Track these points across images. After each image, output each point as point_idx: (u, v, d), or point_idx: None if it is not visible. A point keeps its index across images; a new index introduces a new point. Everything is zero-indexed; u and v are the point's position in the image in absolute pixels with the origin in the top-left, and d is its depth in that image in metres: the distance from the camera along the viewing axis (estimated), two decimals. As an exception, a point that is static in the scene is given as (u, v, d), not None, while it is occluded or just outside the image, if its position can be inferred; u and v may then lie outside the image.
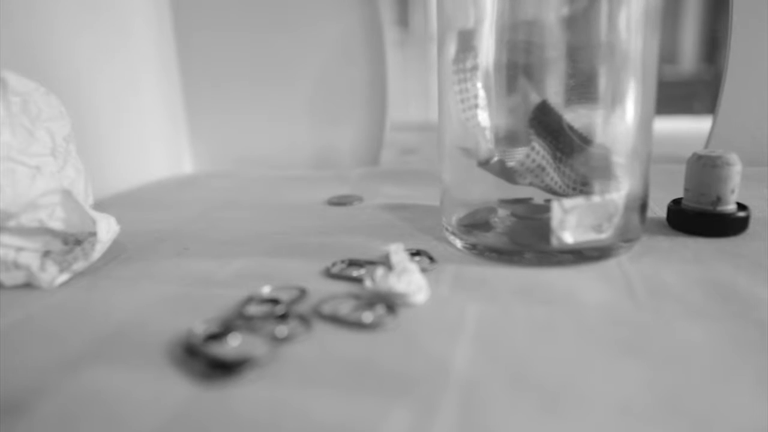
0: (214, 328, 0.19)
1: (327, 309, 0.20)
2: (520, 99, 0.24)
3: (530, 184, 0.25)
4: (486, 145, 0.25)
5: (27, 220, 0.24)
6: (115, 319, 0.21)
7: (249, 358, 0.17)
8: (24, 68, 0.29)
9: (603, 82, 0.23)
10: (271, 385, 0.16)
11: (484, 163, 0.25)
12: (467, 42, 0.24)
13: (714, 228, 0.27)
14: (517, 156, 0.24)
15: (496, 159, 0.25)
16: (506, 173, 0.25)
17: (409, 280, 0.21)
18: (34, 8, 0.40)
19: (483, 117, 0.25)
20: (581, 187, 0.25)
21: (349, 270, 0.24)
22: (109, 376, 0.17)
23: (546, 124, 0.24)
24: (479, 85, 0.25)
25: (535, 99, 0.24)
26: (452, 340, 0.18)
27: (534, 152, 0.23)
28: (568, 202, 0.23)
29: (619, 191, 0.24)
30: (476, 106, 0.25)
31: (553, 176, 0.24)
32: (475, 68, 0.24)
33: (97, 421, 0.15)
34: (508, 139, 0.25)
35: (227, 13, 0.57)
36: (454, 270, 0.24)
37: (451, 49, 0.25)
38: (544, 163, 0.23)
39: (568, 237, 0.23)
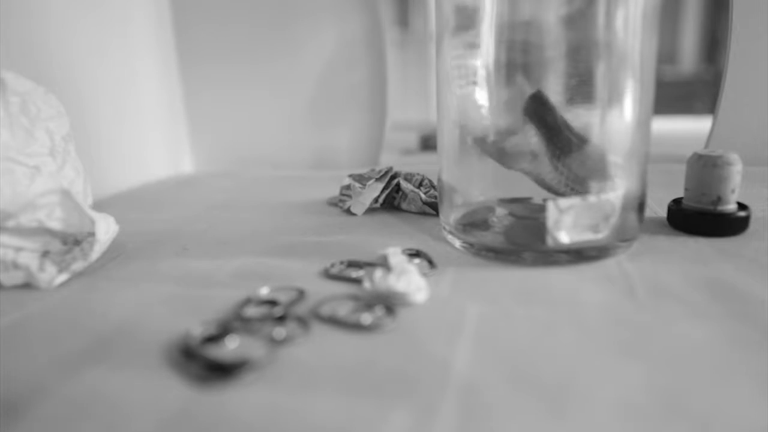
0: (211, 330, 0.19)
1: (325, 310, 0.20)
2: (517, 94, 0.24)
3: (523, 171, 0.24)
4: (482, 122, 0.25)
5: (26, 220, 0.24)
6: (113, 319, 0.20)
7: (247, 360, 0.16)
8: (23, 68, 0.29)
9: (601, 82, 0.23)
10: (269, 388, 0.16)
11: (480, 142, 0.25)
12: (467, 18, 0.24)
13: (714, 228, 0.27)
14: (512, 139, 0.24)
15: (491, 139, 0.25)
16: (500, 154, 0.25)
17: (409, 280, 0.21)
18: (33, 8, 0.40)
19: (480, 94, 0.24)
20: (578, 186, 0.25)
21: (348, 271, 0.24)
22: (107, 377, 0.17)
23: (541, 116, 0.24)
24: (478, 62, 0.24)
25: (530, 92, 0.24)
26: (452, 341, 0.18)
27: (527, 136, 0.23)
28: (563, 202, 0.23)
29: (616, 191, 0.24)
30: (474, 83, 0.24)
31: (547, 166, 0.24)
32: (474, 46, 0.24)
33: (94, 422, 0.14)
34: (506, 134, 0.25)
35: (227, 13, 0.57)
36: (453, 270, 0.24)
37: (451, 22, 0.25)
38: (537, 149, 0.23)
39: (564, 237, 0.23)
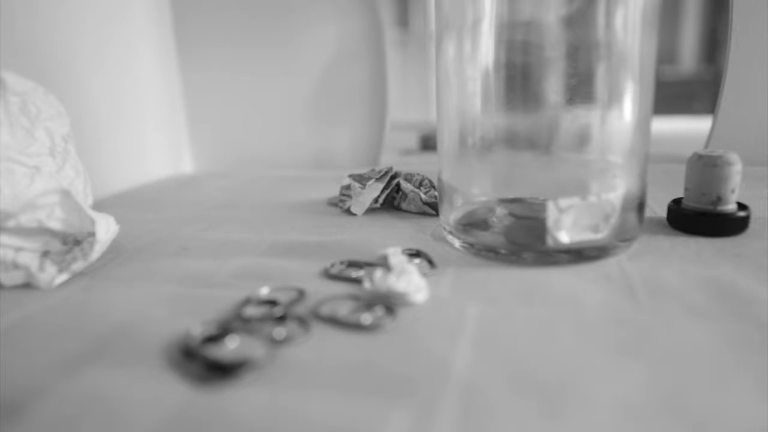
0: (211, 330, 0.19)
1: (325, 310, 0.20)
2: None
3: None
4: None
5: (26, 220, 0.24)
6: (113, 319, 0.20)
7: (247, 360, 0.17)
8: (23, 68, 0.29)
9: (601, 82, 0.23)
10: (269, 388, 0.16)
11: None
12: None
13: (714, 228, 0.27)
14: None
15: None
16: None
17: (409, 280, 0.21)
18: (34, 9, 0.40)
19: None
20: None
21: (348, 271, 0.24)
22: (107, 378, 0.17)
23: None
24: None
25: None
26: (452, 341, 0.18)
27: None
28: (563, 202, 0.23)
29: (616, 191, 0.24)
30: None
31: None
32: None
33: (94, 422, 0.14)
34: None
35: (227, 14, 0.57)
36: (453, 270, 0.24)
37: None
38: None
39: (564, 237, 0.23)
